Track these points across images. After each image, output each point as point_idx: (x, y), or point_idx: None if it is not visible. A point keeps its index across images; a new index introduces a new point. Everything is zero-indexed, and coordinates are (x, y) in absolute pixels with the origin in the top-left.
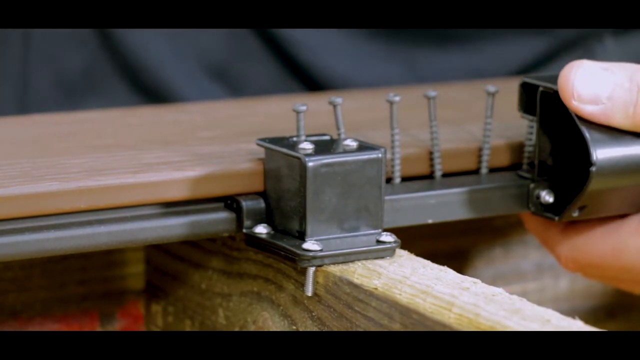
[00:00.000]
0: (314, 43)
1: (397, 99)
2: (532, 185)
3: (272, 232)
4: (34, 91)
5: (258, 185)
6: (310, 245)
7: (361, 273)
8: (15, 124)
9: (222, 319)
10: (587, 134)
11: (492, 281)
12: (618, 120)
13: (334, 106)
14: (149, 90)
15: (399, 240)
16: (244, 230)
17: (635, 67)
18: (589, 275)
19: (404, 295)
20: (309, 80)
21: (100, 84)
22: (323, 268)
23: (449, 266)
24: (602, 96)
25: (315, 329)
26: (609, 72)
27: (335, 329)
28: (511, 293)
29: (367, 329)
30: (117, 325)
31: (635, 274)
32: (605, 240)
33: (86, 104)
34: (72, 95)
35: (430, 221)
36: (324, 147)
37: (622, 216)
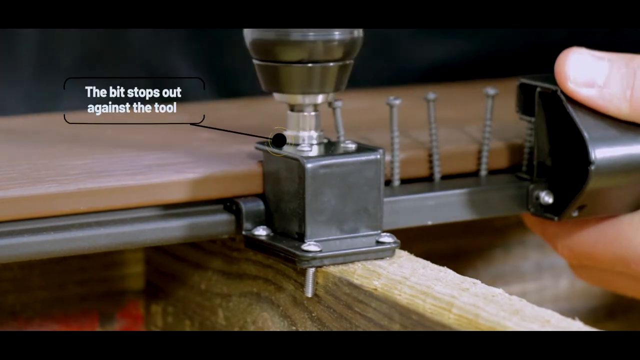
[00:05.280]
0: None
1: (397, 102)
2: (531, 186)
3: (272, 234)
4: (33, 90)
5: (257, 187)
6: (309, 246)
7: (361, 274)
8: (15, 124)
9: (222, 320)
10: (585, 133)
11: (492, 281)
12: (616, 104)
13: (334, 109)
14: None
15: (398, 241)
16: (244, 233)
17: (631, 55)
18: (585, 271)
19: (403, 295)
20: None
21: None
22: (323, 269)
23: (449, 267)
24: (598, 80)
25: (315, 329)
26: (606, 59)
27: (334, 330)
28: (511, 293)
29: (367, 330)
30: (117, 325)
31: (626, 265)
32: (600, 228)
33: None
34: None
35: (429, 223)
36: (323, 149)
37: None
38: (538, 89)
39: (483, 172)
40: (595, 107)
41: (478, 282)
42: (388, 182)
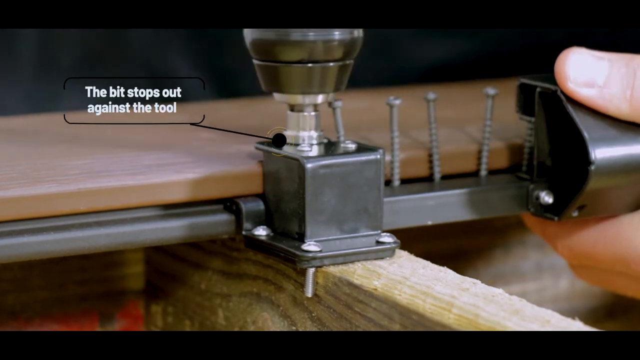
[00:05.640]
0: None
1: (397, 102)
2: (531, 186)
3: (272, 234)
4: (33, 90)
5: (257, 187)
6: (309, 246)
7: (361, 274)
8: (15, 124)
9: (222, 320)
10: (585, 133)
11: (492, 281)
12: (616, 104)
13: (334, 109)
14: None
15: (398, 241)
16: (244, 233)
17: (631, 55)
18: (585, 271)
19: (403, 295)
20: None
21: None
22: (323, 269)
23: (449, 267)
24: (598, 80)
25: (315, 329)
26: (606, 59)
27: (334, 330)
28: (511, 293)
29: (367, 330)
30: (117, 325)
31: (626, 265)
32: (600, 228)
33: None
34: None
35: (429, 222)
36: (323, 149)
37: None
38: (538, 89)
39: (483, 172)
40: (595, 107)
41: (478, 282)
42: (388, 182)
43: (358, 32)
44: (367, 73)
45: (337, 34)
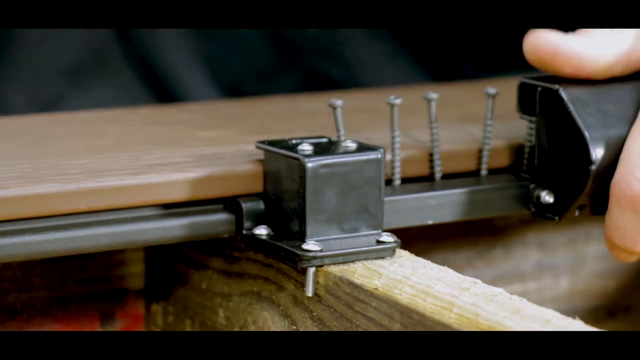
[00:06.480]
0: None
1: (397, 101)
2: (532, 186)
3: (272, 233)
4: (33, 90)
5: (258, 187)
6: (310, 245)
7: (361, 273)
8: (15, 124)
9: (222, 319)
10: (586, 132)
11: (492, 281)
12: (602, 47)
13: (334, 108)
14: (156, 85)
15: (399, 240)
16: (244, 232)
17: None
18: None
19: (404, 295)
20: (316, 80)
21: (108, 76)
22: (323, 268)
23: (449, 266)
24: (581, 32)
25: (315, 329)
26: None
27: (335, 329)
28: (511, 293)
29: (367, 329)
30: (117, 325)
31: None
32: None
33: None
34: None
35: (430, 222)
36: (323, 148)
37: None
38: (539, 89)
39: (483, 172)
40: (583, 61)
41: (478, 281)
42: (389, 182)
43: None
44: (367, 73)
45: None
